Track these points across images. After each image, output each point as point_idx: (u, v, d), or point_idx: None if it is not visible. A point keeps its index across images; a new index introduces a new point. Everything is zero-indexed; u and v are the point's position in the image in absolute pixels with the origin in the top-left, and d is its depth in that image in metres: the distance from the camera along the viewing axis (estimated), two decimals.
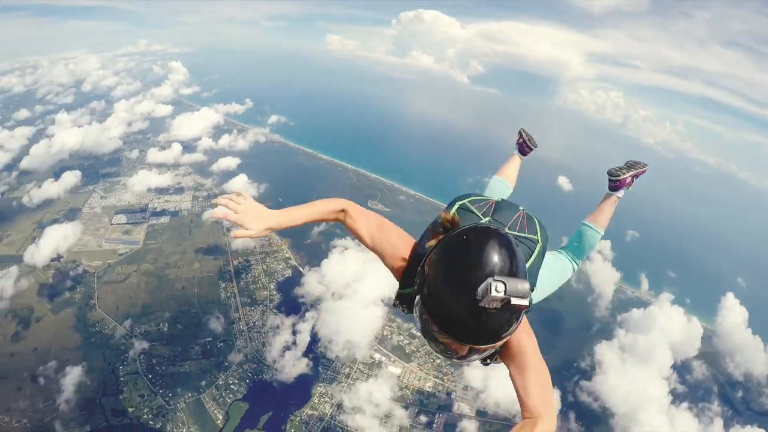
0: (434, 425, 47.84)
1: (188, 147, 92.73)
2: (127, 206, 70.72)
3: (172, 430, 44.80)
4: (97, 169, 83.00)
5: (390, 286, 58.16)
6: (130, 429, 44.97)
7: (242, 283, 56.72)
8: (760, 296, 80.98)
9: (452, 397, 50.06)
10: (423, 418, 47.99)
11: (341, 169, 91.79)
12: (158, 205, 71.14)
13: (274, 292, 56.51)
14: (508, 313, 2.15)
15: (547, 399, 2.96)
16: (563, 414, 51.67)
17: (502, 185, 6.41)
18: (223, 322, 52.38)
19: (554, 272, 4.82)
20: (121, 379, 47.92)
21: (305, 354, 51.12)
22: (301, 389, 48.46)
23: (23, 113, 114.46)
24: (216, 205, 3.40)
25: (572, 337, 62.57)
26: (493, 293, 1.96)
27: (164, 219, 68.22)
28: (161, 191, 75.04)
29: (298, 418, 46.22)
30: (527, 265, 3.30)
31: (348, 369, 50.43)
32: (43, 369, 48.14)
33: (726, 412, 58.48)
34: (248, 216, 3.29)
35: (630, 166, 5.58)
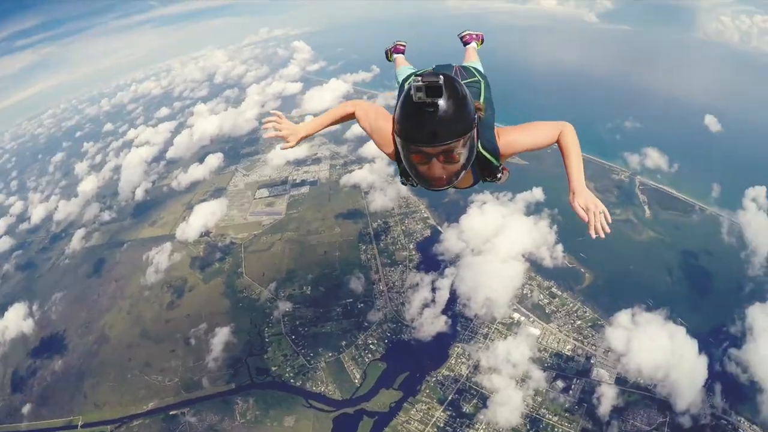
0: (571, 391, 48.46)
1: None
2: (269, 180, 76.93)
3: (311, 389, 48.64)
4: (238, 149, 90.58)
5: (532, 241, 59.69)
6: (272, 386, 49.57)
7: (382, 245, 59.58)
8: None
9: (592, 362, 50.14)
10: (560, 383, 48.78)
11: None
12: (297, 177, 76.37)
13: (414, 252, 58.67)
14: (450, 111, 2.94)
15: (551, 127, 4.12)
16: (708, 387, 49.06)
17: (408, 69, 7.46)
18: (363, 283, 55.51)
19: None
20: (266, 340, 52.89)
21: (444, 312, 52.66)
22: (438, 349, 50.55)
23: (164, 111, 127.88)
24: (266, 129, 4.62)
25: (721, 298, 57.95)
26: (414, 83, 2.86)
27: (304, 189, 73.09)
28: (299, 163, 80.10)
29: (434, 379, 48.48)
30: (481, 97, 4.52)
31: (486, 329, 51.87)
32: (194, 331, 54.44)
33: None
34: (288, 131, 4.49)
35: (468, 30, 8.09)
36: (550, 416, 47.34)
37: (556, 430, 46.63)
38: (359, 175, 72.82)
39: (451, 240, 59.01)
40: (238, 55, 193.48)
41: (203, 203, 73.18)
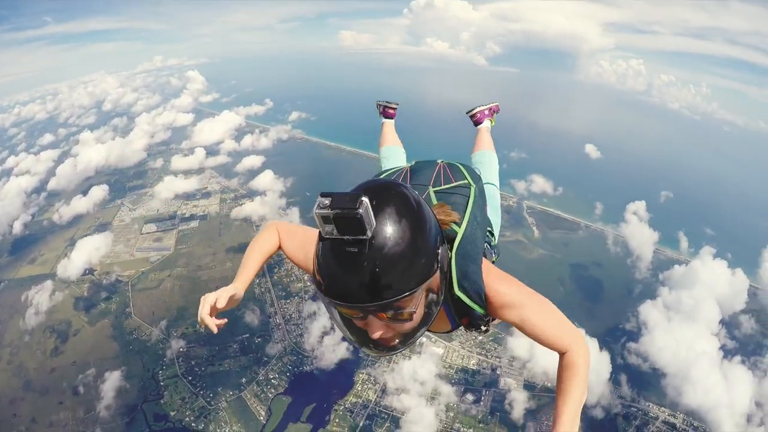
0: (482, 402, 49.47)
1: (211, 151, 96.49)
2: (157, 215, 73.93)
3: (215, 431, 47.00)
4: (124, 182, 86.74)
5: None
6: None
7: (275, 278, 58.63)
8: None
9: (498, 372, 51.65)
10: (470, 396, 49.63)
11: (365, 158, 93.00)
12: (186, 211, 74.10)
13: (308, 283, 57.27)
14: (385, 247, 1.94)
15: (566, 331, 3.03)
16: (614, 380, 53.22)
17: (394, 151, 6.50)
18: (259, 317, 54.41)
19: (493, 201, 4.90)
20: (161, 383, 50.45)
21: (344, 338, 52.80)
22: (343, 376, 50.24)
23: (47, 138, 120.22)
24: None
25: (615, 301, 64.79)
26: (317, 208, 1.90)
27: (193, 223, 71.07)
28: (188, 197, 78.09)
29: (342, 407, 47.90)
30: (467, 210, 3.03)
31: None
32: (82, 378, 51.06)
33: None
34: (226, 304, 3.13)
35: (479, 106, 6.99)
36: (465, 429, 47.85)
37: None
38: (250, 208, 72.19)
39: None
40: (130, 82, 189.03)
41: (87, 238, 69.58)
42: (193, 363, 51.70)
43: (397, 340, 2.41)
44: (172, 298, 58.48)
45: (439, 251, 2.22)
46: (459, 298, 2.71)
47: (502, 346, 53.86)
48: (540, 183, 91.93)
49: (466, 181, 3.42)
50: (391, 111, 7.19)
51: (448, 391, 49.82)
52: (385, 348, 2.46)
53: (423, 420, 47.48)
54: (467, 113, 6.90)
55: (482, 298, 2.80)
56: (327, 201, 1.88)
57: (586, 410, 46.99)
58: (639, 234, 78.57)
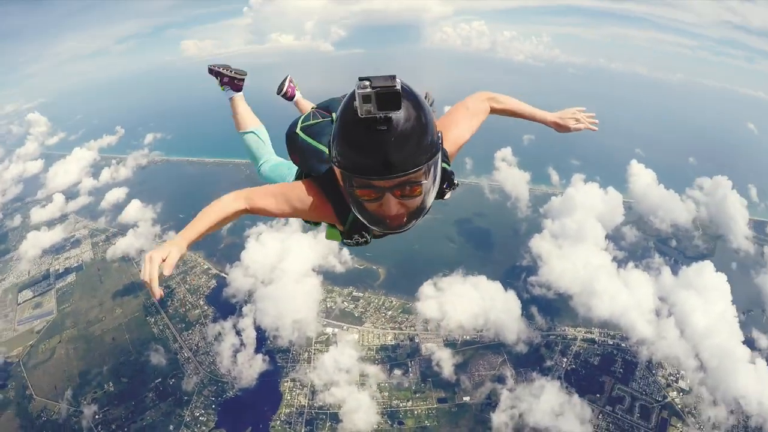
0: (410, 373, 51.07)
1: (70, 194, 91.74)
2: (29, 279, 69.26)
3: None
4: None
5: (317, 254, 62.70)
6: None
7: (171, 311, 57.35)
8: (660, 158, 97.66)
9: (416, 340, 53.34)
10: (397, 371, 51.07)
11: (232, 166, 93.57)
12: (59, 266, 70.16)
13: (206, 307, 57.60)
14: (407, 126, 2.28)
15: (467, 107, 3.79)
16: (526, 315, 56.68)
17: (263, 131, 6.46)
18: (165, 356, 52.90)
19: None
20: None
21: (258, 350, 52.73)
22: (269, 390, 49.87)
23: None
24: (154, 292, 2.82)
25: (505, 243, 69.58)
26: (359, 90, 2.14)
27: (70, 278, 67.40)
28: (58, 249, 73.94)
29: (278, 421, 47.76)
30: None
31: (306, 352, 52.32)
32: None
33: (668, 261, 67.86)
34: (165, 267, 2.70)
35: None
36: (404, 403, 49.12)
37: (415, 412, 48.67)
38: (125, 244, 69.85)
39: (238, 280, 59.19)
40: None
41: None
42: (114, 427, 49.18)
43: (405, 217, 2.71)
44: (70, 364, 55.21)
45: (440, 134, 2.58)
46: (444, 168, 3.12)
47: (413, 315, 55.67)
48: None
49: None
50: (240, 83, 6.57)
51: (375, 372, 50.83)
52: (396, 226, 2.77)
53: (360, 406, 48.18)
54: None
55: (446, 156, 3.28)
56: (367, 82, 2.14)
57: (511, 349, 49.44)
58: (512, 178, 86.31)
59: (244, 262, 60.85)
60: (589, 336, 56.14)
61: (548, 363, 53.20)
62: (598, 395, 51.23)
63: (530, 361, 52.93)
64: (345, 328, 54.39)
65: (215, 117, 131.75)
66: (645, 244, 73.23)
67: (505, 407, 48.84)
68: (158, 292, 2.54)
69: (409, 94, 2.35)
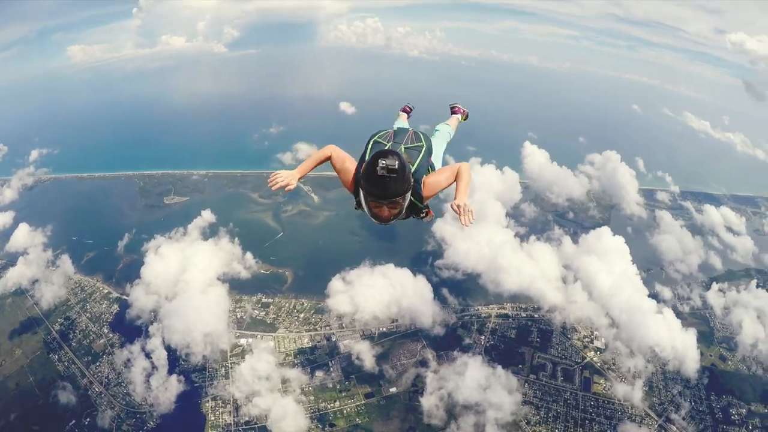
0: (332, 372, 51.81)
1: None
2: None
3: None
4: None
5: (221, 261, 62.70)
6: None
7: (74, 344, 54.83)
8: (551, 140, 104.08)
9: (333, 339, 54.12)
10: (319, 373, 51.65)
11: (124, 179, 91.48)
12: None
13: (111, 335, 55.60)
14: (397, 181, 4.38)
15: (451, 167, 5.65)
16: (438, 298, 58.87)
17: (400, 121, 9.62)
18: (76, 394, 50.62)
19: (437, 152, 7.47)
20: None
21: (171, 371, 51.53)
22: (190, 413, 49.14)
23: None
24: (272, 183, 5.57)
25: (406, 232, 70.66)
26: (379, 164, 4.25)
27: None
28: None
29: None
30: (417, 160, 5.68)
31: (223, 368, 51.90)
32: None
33: (568, 231, 73.53)
34: (288, 179, 5.53)
35: (457, 104, 9.77)
36: (332, 404, 49.89)
37: (344, 411, 49.55)
38: (16, 275, 64.53)
39: (141, 299, 57.29)
40: None
41: None
42: None
43: (390, 218, 4.87)
44: None
45: (411, 180, 4.74)
46: (411, 201, 5.19)
47: (326, 313, 56.34)
48: (305, 149, 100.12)
49: (421, 144, 5.97)
50: (408, 109, 10.32)
51: (296, 376, 51.17)
52: (385, 220, 4.89)
53: (287, 413, 48.38)
54: (450, 105, 9.95)
55: (420, 198, 5.43)
56: (384, 163, 4.27)
57: (428, 333, 50.43)
58: None
59: (144, 278, 59.25)
60: (503, 311, 58.90)
61: (467, 341, 55.29)
62: (520, 366, 53.80)
63: (449, 343, 54.72)
64: (259, 336, 54.28)
65: (104, 128, 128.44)
66: (544, 218, 78.88)
67: (432, 390, 50.35)
68: (293, 183, 5.46)
69: (401, 166, 4.36)
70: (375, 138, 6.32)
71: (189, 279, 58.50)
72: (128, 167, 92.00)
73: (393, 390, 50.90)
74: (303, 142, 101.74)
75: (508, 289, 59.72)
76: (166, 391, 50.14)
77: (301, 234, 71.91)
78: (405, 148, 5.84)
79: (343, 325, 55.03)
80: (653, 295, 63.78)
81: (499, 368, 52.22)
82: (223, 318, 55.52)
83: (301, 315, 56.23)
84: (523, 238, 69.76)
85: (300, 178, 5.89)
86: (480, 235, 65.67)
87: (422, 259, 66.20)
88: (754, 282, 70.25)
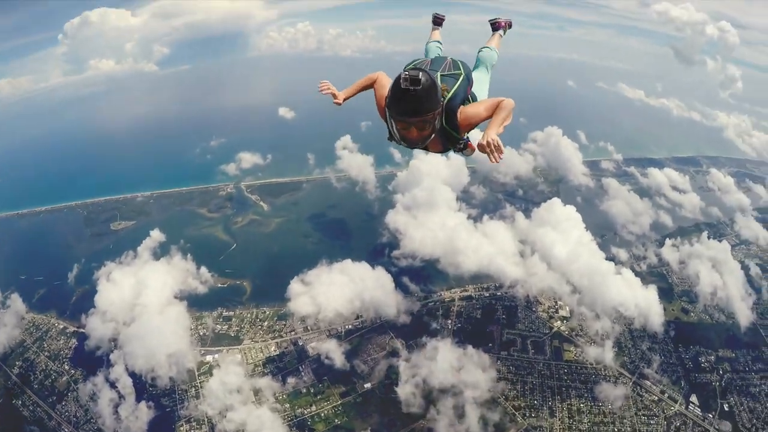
0: (304, 377, 52.18)
1: None
2: None
3: None
4: None
5: (176, 279, 62.16)
6: None
7: (36, 387, 53.50)
8: None
9: (300, 343, 54.51)
10: (291, 379, 51.85)
11: (67, 210, 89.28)
12: None
13: (72, 371, 54.44)
14: (423, 96, 4.35)
15: (497, 100, 5.42)
16: (400, 287, 60.20)
17: (433, 45, 9.11)
18: None
19: (481, 81, 7.43)
20: None
21: (139, 398, 50.80)
22: None
23: None
24: (323, 89, 6.49)
25: (362, 226, 74.43)
26: (402, 76, 4.24)
27: None
28: None
29: None
30: (454, 87, 5.57)
31: (192, 388, 51.57)
32: None
33: (520, 208, 76.35)
34: (335, 91, 6.30)
35: (499, 17, 9.45)
36: (308, 409, 50.25)
37: (322, 414, 49.99)
38: None
39: (98, 329, 56.20)
40: None
41: None
42: None
43: (418, 140, 4.94)
44: None
45: (442, 100, 4.71)
46: (446, 129, 5.26)
47: (289, 318, 56.81)
48: (249, 158, 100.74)
49: (459, 72, 5.87)
50: (440, 20, 10.05)
51: (267, 384, 51.33)
52: (414, 142, 5.00)
53: (264, 423, 48.54)
54: (490, 21, 9.64)
55: (456, 128, 5.34)
56: (407, 73, 4.24)
57: (395, 324, 51.00)
58: (356, 164, 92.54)
59: (99, 307, 58.00)
60: (466, 293, 60.39)
61: (434, 326, 56.44)
62: (490, 344, 55.12)
63: (417, 330, 55.72)
64: (225, 350, 54.16)
65: (40, 160, 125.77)
66: (494, 198, 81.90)
67: (406, 379, 51.17)
68: (338, 94, 6.33)
69: (427, 81, 4.32)
70: (409, 65, 6.20)
71: (145, 301, 57.53)
72: (70, 197, 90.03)
73: (367, 385, 51.50)
74: (245, 151, 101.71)
75: (468, 270, 61.30)
76: (137, 419, 49.56)
77: (254, 243, 71.93)
78: (441, 75, 5.72)
79: (308, 327, 55.45)
80: (610, 258, 66.90)
81: (470, 348, 53.42)
82: (185, 336, 55.01)
83: (265, 324, 56.42)
84: (476, 219, 71.74)
85: (346, 99, 6.57)
86: (433, 221, 67.25)
87: (379, 251, 67.21)
88: (705, 234, 74.49)
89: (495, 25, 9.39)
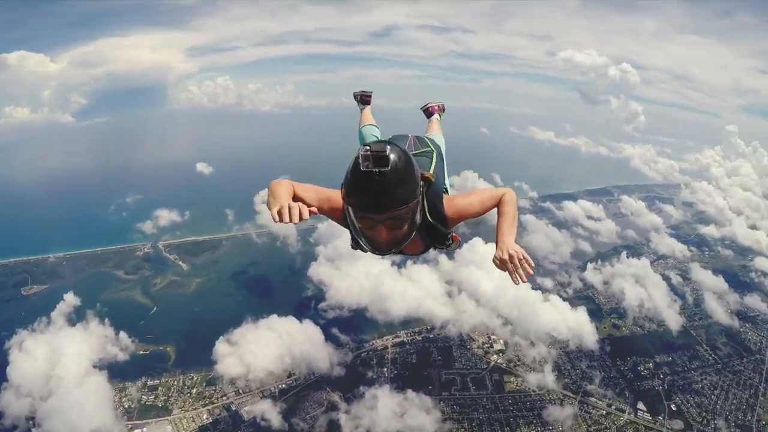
0: None
1: None
2: None
3: None
4: None
5: (93, 348, 59.36)
6: None
7: None
8: None
9: (233, 408, 52.96)
10: None
11: None
12: None
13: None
14: (394, 180, 3.17)
15: (492, 193, 4.41)
16: (330, 339, 60.16)
17: (370, 129, 8.01)
18: None
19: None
20: None
21: None
22: None
23: None
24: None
25: (286, 281, 74.59)
26: (362, 152, 3.10)
27: None
28: None
29: None
30: (431, 166, 4.75)
31: None
32: None
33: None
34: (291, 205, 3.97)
35: (430, 102, 8.67)
36: None
37: None
38: None
39: (12, 405, 52.18)
40: None
41: None
42: None
43: (391, 243, 3.65)
44: None
45: (421, 184, 3.54)
46: (431, 223, 4.09)
47: (219, 383, 55.22)
48: (166, 216, 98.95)
49: (430, 148, 5.13)
50: (368, 98, 9.07)
51: None
52: (385, 246, 3.68)
53: None
54: (422, 108, 8.79)
55: (444, 221, 4.18)
56: (368, 148, 3.15)
57: (329, 377, 50.67)
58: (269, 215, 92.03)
59: (12, 381, 54.00)
60: (398, 339, 61.20)
61: (370, 375, 56.45)
62: (430, 387, 55.34)
63: (353, 381, 55.40)
64: (153, 422, 51.83)
65: None
66: None
67: (350, 431, 50.50)
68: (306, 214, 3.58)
69: (399, 157, 3.25)
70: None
71: (62, 372, 54.38)
72: None
73: None
74: (163, 208, 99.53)
75: (397, 316, 62.68)
76: None
77: (175, 306, 69.47)
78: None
79: (240, 390, 54.07)
80: (536, 288, 69.94)
81: (410, 392, 53.52)
82: (109, 410, 52.08)
83: (194, 390, 54.39)
84: (399, 265, 72.77)
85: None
86: (357, 270, 68.39)
87: (305, 304, 67.05)
88: (624, 254, 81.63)
89: (428, 111, 8.67)
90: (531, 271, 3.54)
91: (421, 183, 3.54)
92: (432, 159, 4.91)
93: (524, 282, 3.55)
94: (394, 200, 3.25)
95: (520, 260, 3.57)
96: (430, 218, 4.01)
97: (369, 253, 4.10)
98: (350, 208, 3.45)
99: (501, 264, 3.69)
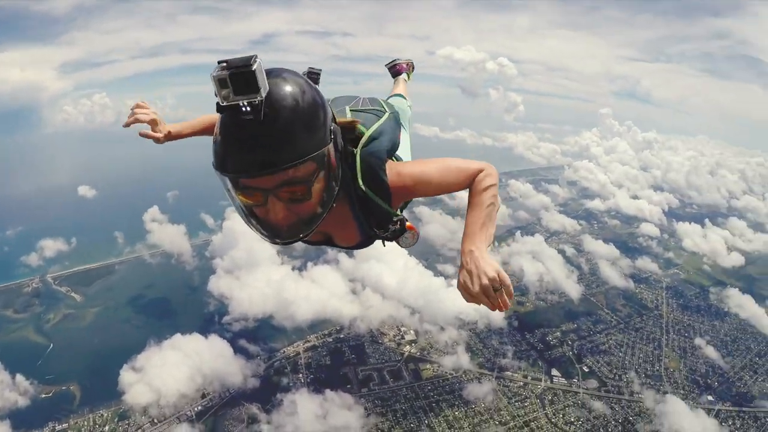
0: None
1: None
2: None
3: None
4: None
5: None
6: None
7: None
8: None
9: None
10: None
11: None
12: None
13: None
14: (278, 118, 2.08)
15: (464, 167, 2.97)
16: (239, 352, 60.52)
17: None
18: None
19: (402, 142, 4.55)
20: None
21: None
22: None
23: None
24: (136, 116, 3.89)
25: (186, 300, 74.50)
26: (215, 74, 1.97)
27: None
28: None
29: None
30: (375, 124, 3.11)
31: None
32: None
33: (340, 250, 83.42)
34: (157, 119, 3.88)
35: (398, 59, 7.25)
36: None
37: None
38: None
39: None
40: None
41: None
42: None
43: (295, 225, 2.43)
44: None
45: (332, 127, 2.39)
46: (365, 194, 2.83)
47: (131, 415, 53.30)
48: (52, 246, 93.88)
49: (382, 109, 3.56)
50: (395, 67, 7.31)
51: None
52: (286, 234, 2.46)
53: None
54: (387, 65, 7.33)
55: (386, 191, 2.87)
56: (223, 64, 1.98)
57: (244, 391, 51.20)
58: (168, 235, 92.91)
59: None
60: (309, 344, 62.63)
61: (286, 382, 57.35)
62: (349, 386, 56.86)
63: (269, 391, 55.87)
64: None
65: None
66: (311, 249, 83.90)
67: None
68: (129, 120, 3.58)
69: (284, 79, 2.21)
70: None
71: None
72: None
73: None
74: (47, 238, 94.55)
75: (304, 320, 64.21)
76: None
77: (73, 340, 66.29)
78: (352, 111, 3.45)
79: (155, 420, 52.83)
80: (439, 275, 74.24)
81: (329, 392, 54.80)
82: None
83: (106, 428, 52.42)
84: (300, 269, 75.47)
85: (170, 137, 4.08)
86: (257, 278, 69.98)
87: (208, 320, 67.23)
88: (518, 233, 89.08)
89: (395, 70, 7.14)
90: (509, 303, 2.44)
91: (333, 126, 2.46)
92: (380, 118, 3.32)
93: (505, 308, 2.47)
94: (284, 153, 2.11)
95: (499, 284, 2.39)
96: (363, 187, 2.80)
97: (272, 244, 2.70)
98: (224, 180, 2.30)
99: (470, 298, 2.53)
